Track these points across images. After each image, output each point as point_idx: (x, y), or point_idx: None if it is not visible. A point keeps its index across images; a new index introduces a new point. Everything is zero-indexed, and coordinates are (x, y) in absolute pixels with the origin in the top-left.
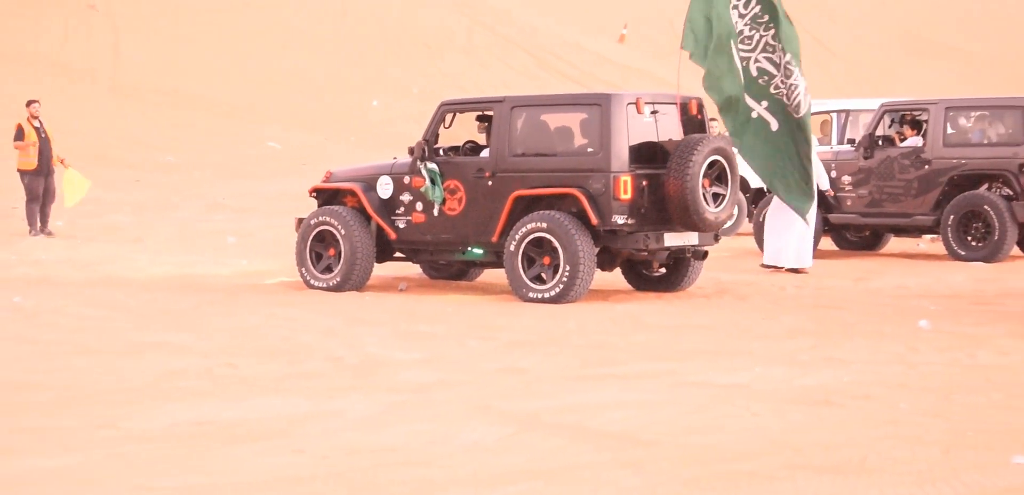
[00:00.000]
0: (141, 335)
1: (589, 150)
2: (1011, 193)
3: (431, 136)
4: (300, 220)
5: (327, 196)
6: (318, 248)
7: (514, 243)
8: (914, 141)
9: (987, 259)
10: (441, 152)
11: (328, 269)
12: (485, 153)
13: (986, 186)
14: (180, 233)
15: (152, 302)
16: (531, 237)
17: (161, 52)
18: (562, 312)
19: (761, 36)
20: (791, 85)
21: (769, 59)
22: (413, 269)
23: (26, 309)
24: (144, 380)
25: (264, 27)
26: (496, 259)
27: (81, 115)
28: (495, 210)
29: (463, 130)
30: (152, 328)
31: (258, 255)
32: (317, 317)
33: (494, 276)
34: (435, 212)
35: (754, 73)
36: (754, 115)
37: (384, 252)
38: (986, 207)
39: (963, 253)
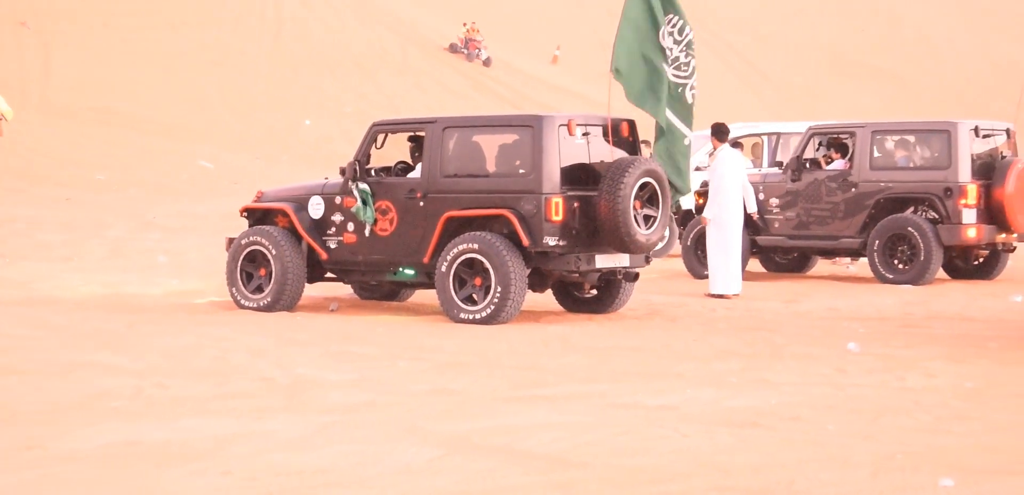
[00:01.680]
0: (71, 354)
1: (521, 171)
2: (937, 216)
3: (363, 156)
4: (231, 240)
5: (258, 216)
6: (249, 268)
7: (445, 264)
8: (840, 164)
9: (914, 282)
10: (373, 172)
11: (259, 289)
12: (416, 174)
13: (912, 209)
14: (111, 252)
15: (83, 321)
16: (463, 258)
17: (92, 70)
18: (493, 333)
19: (693, 62)
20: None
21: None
22: (344, 289)
23: None
24: (74, 400)
25: (197, 45)
26: (428, 280)
27: (11, 132)
28: (427, 231)
29: (395, 151)
30: (82, 347)
31: (189, 275)
32: (248, 337)
33: (425, 297)
34: (366, 232)
35: (689, 100)
36: (686, 142)
37: (315, 272)
38: (911, 230)
39: (890, 276)
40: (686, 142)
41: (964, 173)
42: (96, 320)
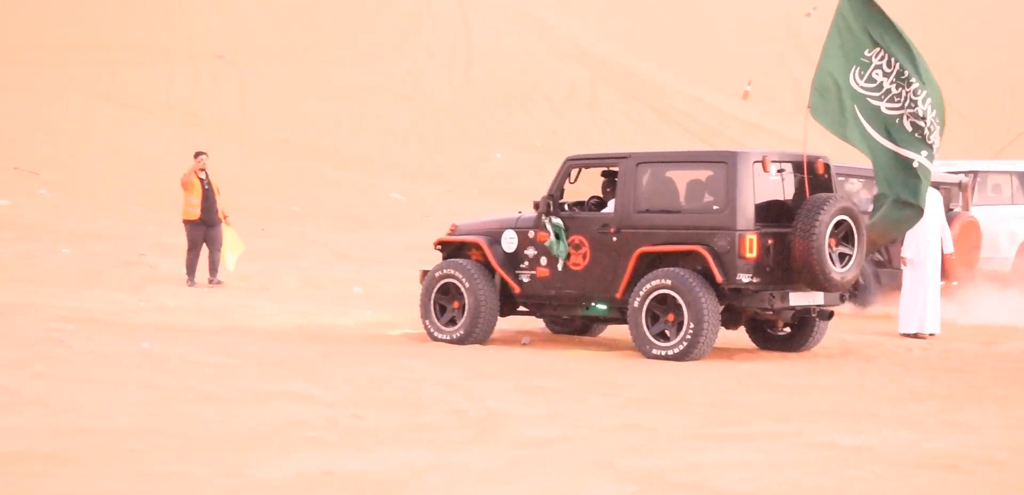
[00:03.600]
0: (267, 384)
1: (714, 208)
2: None
3: (556, 191)
4: (424, 272)
5: (452, 249)
6: (442, 301)
7: (638, 299)
8: None
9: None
10: (566, 207)
11: (452, 322)
12: (609, 209)
13: None
14: (305, 283)
15: (278, 351)
16: (655, 294)
17: (286, 103)
18: (685, 370)
19: (905, 92)
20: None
21: (915, 114)
22: (536, 323)
23: (153, 355)
24: (269, 429)
25: (389, 79)
26: (620, 315)
27: (209, 164)
28: (619, 266)
29: (587, 185)
30: (278, 377)
31: (382, 306)
32: (440, 369)
33: (617, 332)
34: (559, 267)
35: (908, 128)
36: (916, 164)
37: (508, 306)
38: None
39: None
40: (916, 164)
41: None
42: (291, 349)
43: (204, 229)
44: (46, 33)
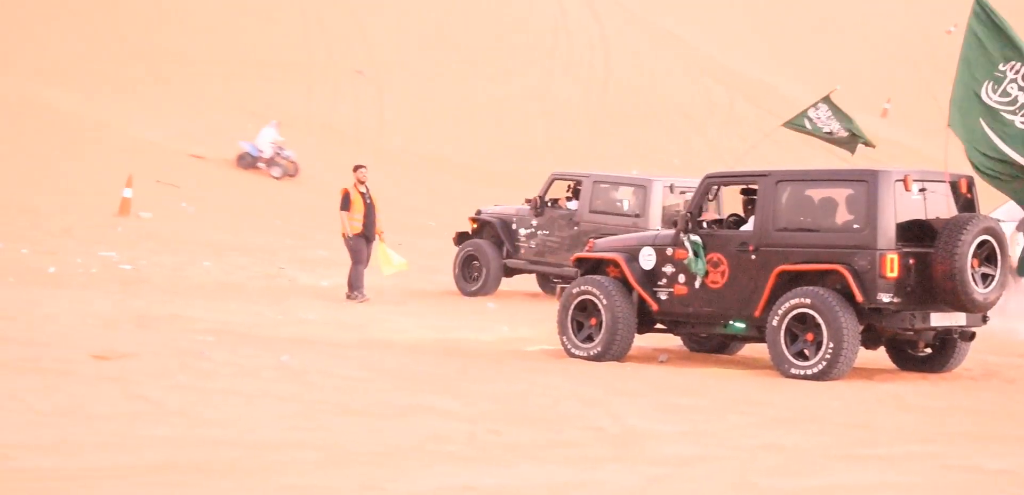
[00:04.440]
0: (406, 398)
1: (855, 226)
2: None
3: (695, 208)
4: (562, 288)
5: (589, 266)
6: (579, 317)
7: (777, 318)
8: (574, 205)
9: None
10: (705, 225)
11: (589, 338)
12: (748, 227)
13: None
14: (442, 298)
15: (416, 365)
16: (794, 312)
17: (423, 118)
18: (824, 389)
19: None
20: None
21: None
22: (673, 341)
23: (293, 368)
24: (409, 443)
25: (525, 94)
26: (758, 333)
27: (346, 177)
28: (758, 284)
29: (727, 203)
30: (417, 391)
31: (519, 322)
32: (578, 386)
33: (755, 350)
34: (697, 285)
35: None
36: None
37: (645, 323)
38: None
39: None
40: None
41: (654, 221)
42: (429, 364)
43: (367, 242)
44: (189, 48)
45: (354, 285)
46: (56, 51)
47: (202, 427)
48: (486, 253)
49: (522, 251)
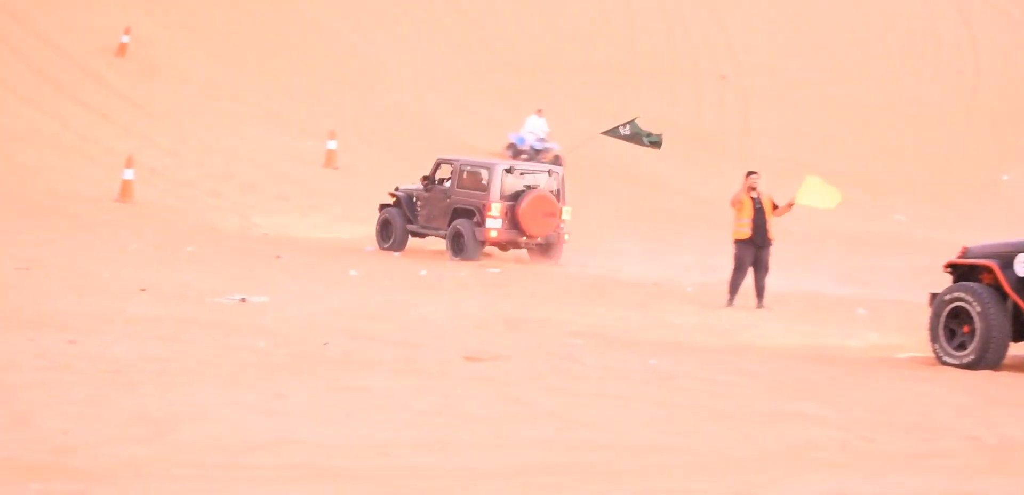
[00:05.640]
0: (776, 404)
1: None
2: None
3: None
4: (934, 295)
5: (962, 272)
6: (952, 324)
7: None
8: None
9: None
10: None
11: (962, 346)
12: None
13: (469, 216)
14: (809, 304)
15: (785, 371)
16: None
17: (790, 123)
18: None
19: None
20: None
21: None
22: None
23: (661, 372)
24: (780, 449)
25: (894, 99)
26: None
27: (708, 183)
28: None
29: None
30: (786, 397)
31: (889, 329)
32: (952, 394)
33: None
34: None
35: None
36: None
37: (1021, 332)
38: (459, 227)
39: (457, 255)
40: None
41: (494, 195)
42: (797, 370)
43: (754, 250)
44: (551, 56)
45: (730, 290)
46: (431, 63)
47: (574, 429)
48: (395, 219)
49: (419, 218)
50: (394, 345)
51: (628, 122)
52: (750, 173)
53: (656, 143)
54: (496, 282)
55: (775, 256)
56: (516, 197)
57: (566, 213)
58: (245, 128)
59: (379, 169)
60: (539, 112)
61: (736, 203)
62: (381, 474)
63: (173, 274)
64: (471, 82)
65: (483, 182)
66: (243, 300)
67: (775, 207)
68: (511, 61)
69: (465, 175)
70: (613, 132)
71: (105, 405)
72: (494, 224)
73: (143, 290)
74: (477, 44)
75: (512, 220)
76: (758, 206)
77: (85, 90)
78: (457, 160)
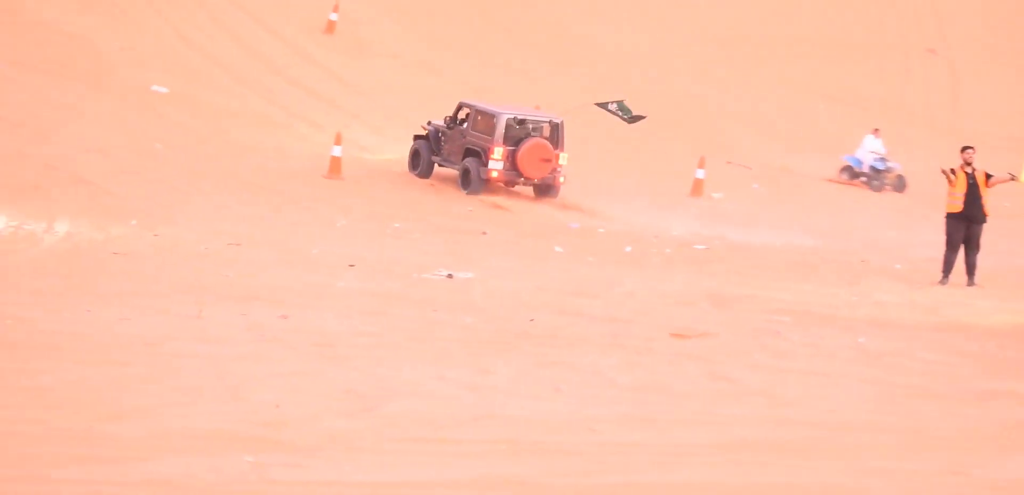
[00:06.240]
0: (988, 382)
1: None
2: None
3: None
4: None
5: None
6: None
7: None
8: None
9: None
10: None
11: None
12: None
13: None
14: (1022, 280)
15: (997, 349)
16: None
17: (1002, 98)
18: None
19: None
20: None
21: None
22: None
23: (869, 350)
24: (993, 428)
25: None
26: None
27: (918, 157)
28: None
29: None
30: (998, 376)
31: None
32: None
33: None
34: None
35: None
36: None
37: None
38: (469, 165)
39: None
40: None
41: (497, 140)
42: (1011, 348)
43: (965, 226)
44: (760, 30)
45: (943, 269)
46: (635, 37)
47: (782, 407)
48: (423, 150)
49: (442, 152)
50: (600, 321)
51: (615, 102)
52: (965, 148)
53: (630, 117)
54: (702, 258)
55: (986, 232)
56: (518, 143)
57: (563, 158)
58: (453, 106)
59: (590, 150)
60: (875, 132)
61: (950, 178)
62: (588, 449)
63: (381, 250)
64: (674, 58)
65: (492, 127)
66: (450, 276)
67: (988, 179)
68: (717, 36)
69: (478, 119)
70: (603, 105)
71: (316, 379)
72: (495, 165)
73: (351, 266)
74: (680, 20)
75: (512, 162)
76: (971, 181)
77: (294, 68)
78: (474, 105)
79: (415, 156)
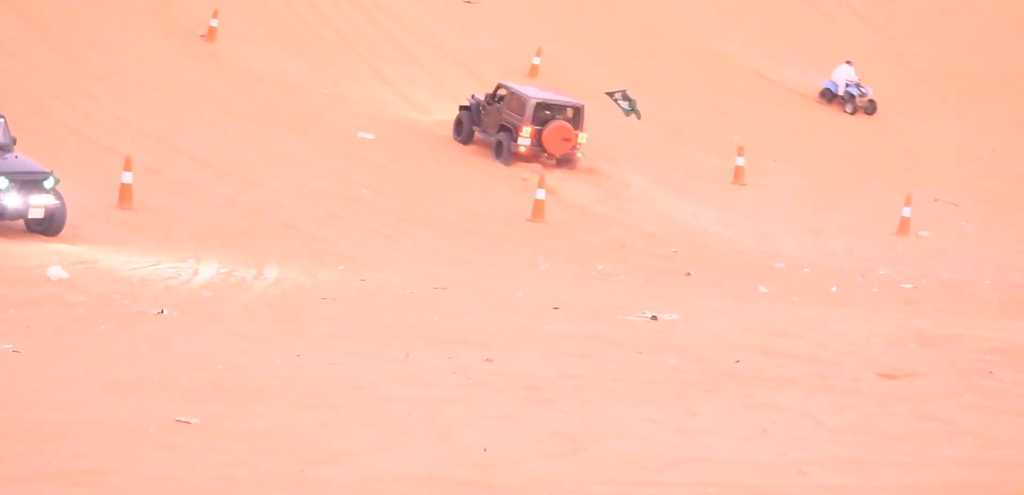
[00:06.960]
0: None
1: None
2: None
3: None
4: None
5: None
6: None
7: None
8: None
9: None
10: None
11: None
12: None
13: (506, 131)
14: None
15: None
16: None
17: None
18: None
19: None
20: None
21: None
22: None
23: None
24: None
25: None
26: None
27: None
28: None
29: None
30: None
31: None
32: None
33: None
34: None
35: None
36: None
37: None
38: (501, 139)
39: (500, 159)
40: None
41: (527, 119)
42: None
43: None
44: (971, 64)
45: None
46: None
47: (995, 448)
48: (466, 120)
49: (483, 123)
50: (806, 361)
51: (620, 91)
52: None
53: (631, 109)
54: (909, 297)
55: None
56: (544, 123)
57: (582, 138)
58: (656, 146)
59: (786, 185)
60: (849, 61)
61: None
62: (797, 491)
63: (584, 292)
64: (880, 93)
65: (522, 108)
66: (654, 318)
67: None
68: (921, 71)
69: (513, 100)
70: (611, 95)
71: (522, 422)
72: (524, 141)
73: (556, 308)
74: (885, 56)
75: (537, 139)
76: None
77: None
78: (510, 86)
79: (459, 125)
